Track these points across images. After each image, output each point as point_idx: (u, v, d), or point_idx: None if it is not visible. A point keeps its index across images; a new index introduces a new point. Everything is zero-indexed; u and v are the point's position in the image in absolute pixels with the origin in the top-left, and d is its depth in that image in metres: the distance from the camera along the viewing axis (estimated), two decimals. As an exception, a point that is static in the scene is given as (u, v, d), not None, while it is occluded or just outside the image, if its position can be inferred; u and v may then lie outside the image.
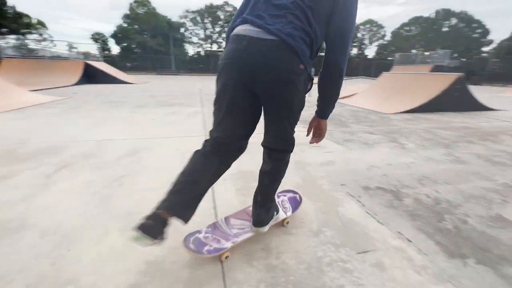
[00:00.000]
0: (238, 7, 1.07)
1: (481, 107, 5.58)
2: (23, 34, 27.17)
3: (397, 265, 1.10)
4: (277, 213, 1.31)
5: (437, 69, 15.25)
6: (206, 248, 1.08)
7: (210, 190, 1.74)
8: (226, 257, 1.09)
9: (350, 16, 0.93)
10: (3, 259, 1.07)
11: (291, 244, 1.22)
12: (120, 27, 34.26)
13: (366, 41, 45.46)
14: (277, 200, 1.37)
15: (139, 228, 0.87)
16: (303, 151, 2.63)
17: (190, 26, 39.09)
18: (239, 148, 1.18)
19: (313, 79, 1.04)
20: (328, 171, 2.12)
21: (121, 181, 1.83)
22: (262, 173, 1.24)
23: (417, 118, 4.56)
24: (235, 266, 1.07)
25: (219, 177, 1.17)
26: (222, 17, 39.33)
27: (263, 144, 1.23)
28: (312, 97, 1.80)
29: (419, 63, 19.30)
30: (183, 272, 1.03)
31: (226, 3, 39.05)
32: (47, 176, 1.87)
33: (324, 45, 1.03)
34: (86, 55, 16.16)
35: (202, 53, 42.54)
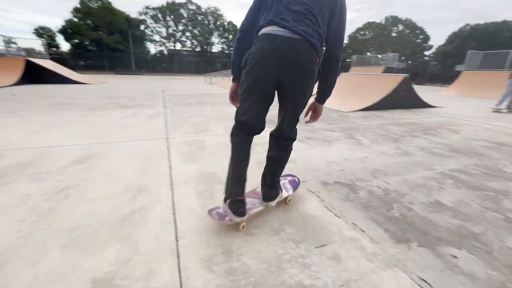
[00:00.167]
0: (250, 9, 1.27)
1: (424, 104, 6.26)
2: None
3: (352, 255, 1.16)
4: (281, 191, 1.53)
5: (388, 70, 16.76)
6: (227, 218, 1.28)
7: (169, 194, 1.67)
8: (243, 227, 1.33)
9: (344, 21, 1.23)
10: None
11: (253, 245, 1.21)
12: (70, 22, 31.07)
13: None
14: (280, 182, 1.56)
15: (239, 215, 1.23)
16: (266, 149, 2.65)
17: (151, 23, 37.18)
18: (261, 129, 1.36)
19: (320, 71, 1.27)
20: (291, 169, 2.17)
21: (67, 192, 1.64)
22: (271, 159, 1.50)
23: (371, 115, 4.94)
24: (194, 274, 1.03)
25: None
26: (185, 15, 38.13)
27: (272, 133, 1.49)
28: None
29: (373, 64, 20.99)
30: (137, 287, 0.96)
31: (190, 1, 37.97)
32: (-28, 192, 1.60)
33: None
34: (29, 51, 14.33)
35: (166, 52, 40.82)
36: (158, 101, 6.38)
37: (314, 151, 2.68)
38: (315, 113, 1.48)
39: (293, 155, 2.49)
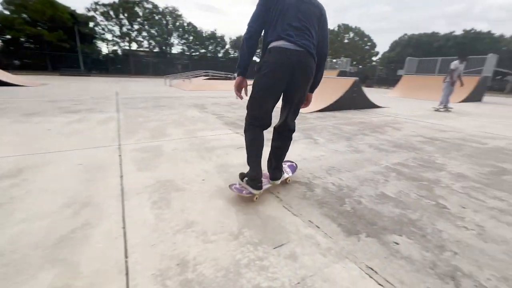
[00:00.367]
0: (255, 15, 1.49)
1: (373, 105, 6.89)
2: None
3: (307, 252, 1.20)
4: (284, 173, 1.86)
5: (342, 74, 18.09)
6: (244, 191, 1.62)
7: (119, 207, 1.54)
8: (256, 198, 1.65)
9: (326, 27, 1.60)
10: None
11: (210, 252, 1.18)
12: (-1, 15, 26.89)
13: (287, 48, 49.73)
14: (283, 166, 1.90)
15: (258, 189, 1.59)
16: (228, 153, 2.63)
17: (102, 21, 34.24)
18: (269, 123, 1.66)
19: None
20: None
21: (-11, 213, 1.40)
22: (275, 148, 1.82)
23: (327, 116, 5.26)
24: (144, 291, 0.95)
25: None
26: (141, 14, 36.00)
27: (276, 127, 1.80)
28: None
29: (329, 68, 22.44)
30: (74, 315, 0.85)
31: (146, 0, 35.97)
32: None
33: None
34: None
35: (120, 52, 37.96)
36: (110, 104, 5.88)
37: (274, 152, 2.73)
38: (307, 101, 1.80)
39: (253, 157, 2.52)
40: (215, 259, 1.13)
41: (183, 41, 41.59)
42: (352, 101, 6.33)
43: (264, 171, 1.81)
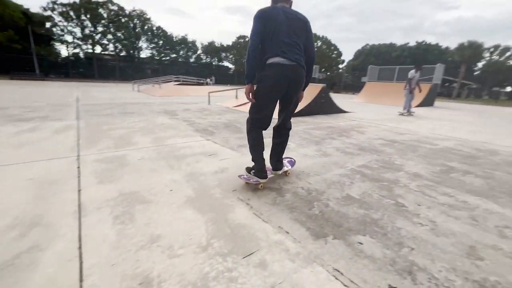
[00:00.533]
0: (256, 31, 1.72)
1: (340, 110, 7.26)
2: None
3: (277, 258, 1.21)
4: (284, 167, 2.19)
5: (312, 80, 18.86)
6: (252, 180, 1.93)
7: (75, 225, 1.41)
8: (261, 186, 1.97)
9: (312, 38, 1.92)
10: None
11: (176, 268, 1.12)
12: None
13: (259, 54, 50.64)
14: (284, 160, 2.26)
15: (264, 178, 1.92)
16: (198, 161, 2.57)
17: (61, 21, 31.77)
18: (268, 125, 1.96)
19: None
20: (221, 178, 2.15)
21: None
22: (276, 144, 2.14)
23: (298, 121, 5.41)
24: (100, 318, 0.87)
25: None
26: (105, 15, 34.12)
27: (276, 127, 2.13)
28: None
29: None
30: None
31: (110, 1, 34.22)
32: None
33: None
34: None
35: (82, 55, 35.47)
36: (69, 112, 5.44)
37: (246, 158, 2.73)
38: (301, 98, 2.13)
39: (224, 164, 2.50)
40: (181, 275, 1.08)
41: (153, 45, 40.26)
42: (321, 106, 6.61)
43: (267, 164, 2.12)
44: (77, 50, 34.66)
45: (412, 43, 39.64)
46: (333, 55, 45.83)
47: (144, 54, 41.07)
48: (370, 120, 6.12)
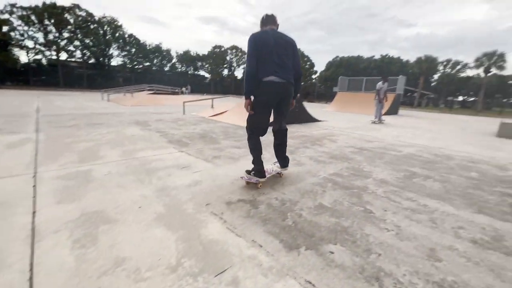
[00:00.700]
0: (251, 56, 2.02)
1: (313, 119, 7.53)
2: None
3: (249, 274, 1.19)
4: (288, 163, 2.54)
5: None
6: (252, 179, 2.19)
7: (26, 252, 1.28)
8: (260, 185, 2.24)
9: (298, 55, 2.24)
10: None
11: (142, 293, 1.05)
12: None
13: (234, 64, 51.30)
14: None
15: (263, 177, 2.18)
16: (171, 174, 2.48)
17: (20, 25, 29.52)
18: (265, 132, 2.25)
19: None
20: (195, 192, 2.09)
21: None
22: (277, 145, 2.45)
23: (273, 130, 5.51)
24: None
25: None
26: (72, 21, 32.38)
27: (275, 130, 2.41)
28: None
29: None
30: None
31: (78, 7, 32.64)
32: None
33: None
34: None
35: (45, 62, 33.09)
36: (28, 124, 5.00)
37: (220, 170, 2.70)
38: (292, 105, 2.42)
39: (197, 177, 2.45)
40: (147, 300, 1.02)
41: (124, 53, 38.87)
42: (296, 116, 6.80)
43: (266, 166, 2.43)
44: (39, 57, 32.35)
45: (377, 56, 42.88)
46: (306, 66, 47.79)
47: (115, 62, 39.58)
48: (341, 129, 6.41)
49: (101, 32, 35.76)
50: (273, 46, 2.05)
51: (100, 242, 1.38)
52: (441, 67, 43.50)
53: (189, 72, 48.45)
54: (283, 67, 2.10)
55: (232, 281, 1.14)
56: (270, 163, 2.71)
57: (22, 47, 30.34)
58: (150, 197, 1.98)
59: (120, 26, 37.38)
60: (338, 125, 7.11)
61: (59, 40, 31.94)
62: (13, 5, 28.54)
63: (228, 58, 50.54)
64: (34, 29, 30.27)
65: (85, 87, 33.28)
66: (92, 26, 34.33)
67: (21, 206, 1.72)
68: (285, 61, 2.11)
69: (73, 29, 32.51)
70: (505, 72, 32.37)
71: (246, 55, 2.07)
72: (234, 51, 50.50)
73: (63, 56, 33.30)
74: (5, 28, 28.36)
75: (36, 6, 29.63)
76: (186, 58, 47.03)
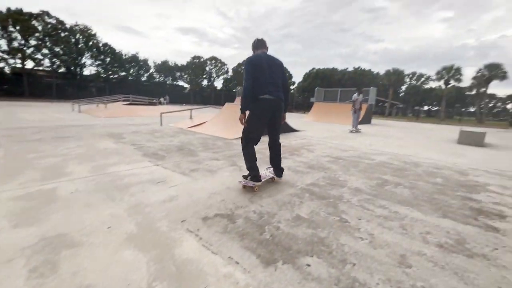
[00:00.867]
0: (249, 75, 2.37)
1: (292, 129, 7.69)
2: None
3: (225, 294, 1.15)
4: (282, 173, 2.83)
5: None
6: (249, 183, 2.45)
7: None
8: (256, 188, 2.46)
9: (287, 78, 2.66)
10: None
11: (107, 324, 0.97)
12: None
13: (214, 75, 51.44)
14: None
15: (258, 181, 2.46)
16: (145, 190, 2.37)
17: (-22, 31, 27.37)
18: (259, 141, 2.56)
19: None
20: (170, 208, 2.01)
21: None
22: (273, 158, 2.77)
23: (253, 141, 5.54)
24: None
25: None
26: (40, 28, 30.71)
27: (270, 144, 2.76)
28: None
29: (255, 95, 24.19)
30: None
31: (47, 14, 31.10)
32: None
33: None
34: None
35: (8, 70, 30.76)
36: (-17, 138, 4.56)
37: (198, 183, 2.63)
38: (283, 119, 2.74)
39: (173, 192, 2.37)
40: (113, 332, 0.94)
41: (99, 62, 37.40)
42: (274, 126, 6.90)
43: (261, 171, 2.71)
44: (1, 65, 30.03)
45: (351, 68, 45.41)
46: (285, 77, 49.15)
47: (89, 71, 37.82)
48: (318, 138, 6.60)
49: (73, 40, 34.24)
50: (266, 68, 2.44)
51: (61, 270, 1.26)
52: (407, 79, 47.00)
53: (168, 82, 47.65)
54: (275, 85, 2.47)
55: (207, 303, 1.09)
56: (262, 169, 2.83)
57: (-19, 55, 28.06)
58: (121, 216, 1.87)
59: (94, 35, 36.12)
60: (316, 135, 7.32)
61: (25, 48, 30.02)
62: (-28, 10, 26.53)
63: (207, 68, 50.61)
64: (-5, 36, 28.22)
65: (54, 97, 31.33)
66: (63, 34, 32.79)
67: (-31, 233, 1.54)
68: (276, 80, 2.49)
69: (41, 37, 30.80)
70: (462, 84, 35.74)
71: (244, 76, 2.42)
72: (213, 62, 50.75)
73: (30, 64, 31.29)
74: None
75: (0, 12, 27.79)
76: (164, 68, 46.34)
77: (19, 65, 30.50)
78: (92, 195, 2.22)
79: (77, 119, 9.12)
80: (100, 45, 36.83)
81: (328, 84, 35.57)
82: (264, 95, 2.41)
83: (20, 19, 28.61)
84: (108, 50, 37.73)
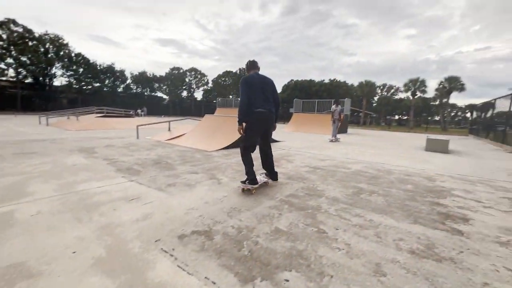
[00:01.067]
0: (245, 93, 2.78)
1: (272, 140, 7.76)
2: None
3: (200, 319, 1.09)
4: (277, 177, 3.28)
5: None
6: (247, 186, 2.77)
7: None
8: (254, 191, 2.81)
9: (276, 90, 3.06)
10: None
11: None
12: None
13: (194, 86, 51.15)
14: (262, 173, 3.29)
15: (255, 184, 2.82)
16: (116, 208, 2.24)
17: None
18: (255, 149, 2.97)
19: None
20: (143, 227, 1.91)
21: None
22: (264, 160, 3.17)
23: (232, 153, 5.50)
24: None
25: None
26: (4, 36, 28.83)
27: (261, 149, 3.15)
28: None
29: (235, 106, 24.28)
30: None
31: (13, 22, 29.36)
32: None
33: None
34: None
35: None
36: None
37: (174, 199, 2.54)
38: (274, 127, 3.11)
39: (147, 209, 2.26)
40: None
41: (71, 72, 35.66)
42: (254, 137, 6.94)
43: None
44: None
45: (327, 80, 47.36)
46: (265, 88, 50.09)
47: (59, 81, 35.80)
48: (297, 148, 6.73)
49: (42, 50, 32.50)
50: (259, 86, 2.83)
51: (15, 305, 1.13)
52: (379, 91, 50.09)
53: (146, 94, 46.47)
54: (266, 100, 2.87)
55: (180, 330, 1.03)
56: (257, 174, 3.03)
57: None
58: (89, 238, 1.74)
59: (66, 45, 34.60)
60: (295, 145, 7.46)
61: (-14, 57, 27.92)
62: None
63: (187, 79, 50.26)
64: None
65: (19, 109, 29.17)
66: (31, 43, 31.04)
67: None
68: (268, 96, 2.89)
69: (5, 46, 28.89)
70: (427, 95, 38.73)
71: (240, 94, 2.81)
72: (193, 73, 50.60)
73: (-8, 74, 29.04)
74: None
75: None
76: (142, 79, 45.27)
77: (-22, 75, 28.20)
78: (57, 216, 2.05)
79: (44, 133, 8.52)
80: (73, 55, 35.29)
81: (306, 95, 36.79)
82: (258, 108, 2.79)
83: (-19, 26, 26.71)
84: (81, 60, 36.22)
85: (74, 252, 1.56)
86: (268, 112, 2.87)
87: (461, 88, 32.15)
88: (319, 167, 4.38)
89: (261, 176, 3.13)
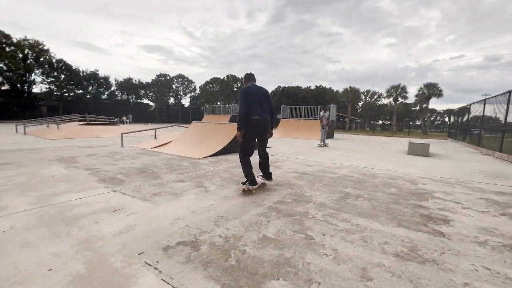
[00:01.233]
0: (243, 103, 3.05)
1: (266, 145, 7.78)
2: None
3: (185, 335, 1.05)
4: (271, 177, 3.51)
5: (233, 118, 19.93)
6: (246, 187, 3.04)
7: None
8: (254, 191, 3.10)
9: (271, 98, 3.35)
10: None
11: None
12: None
13: (181, 92, 50.72)
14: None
15: (255, 184, 3.09)
16: (98, 221, 2.15)
17: None
18: (253, 152, 3.20)
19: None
20: (126, 240, 1.84)
21: None
22: (263, 164, 3.39)
23: (219, 160, 5.45)
24: None
25: None
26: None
27: (261, 154, 3.39)
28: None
29: (223, 113, 24.23)
30: None
31: (-13, 26, 28.10)
32: None
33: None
34: None
35: None
36: None
37: (160, 209, 2.47)
38: (271, 134, 3.44)
39: (131, 221, 2.19)
40: None
41: (51, 79, 34.38)
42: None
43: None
44: None
45: (313, 86, 48.39)
46: (252, 95, 50.44)
47: (39, 88, 34.38)
48: (285, 154, 6.77)
49: (20, 56, 31.23)
50: (255, 96, 3.12)
51: (-19, 331, 1.04)
52: (363, 96, 51.66)
53: (131, 100, 45.51)
54: (262, 109, 3.15)
55: None
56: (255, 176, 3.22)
57: None
58: (66, 254, 1.65)
59: (47, 51, 33.44)
60: (283, 151, 7.51)
61: (-43, 63, 26.46)
62: None
63: (174, 86, 49.79)
64: None
65: (-7, 117, 27.70)
66: (8, 49, 29.78)
67: None
68: (263, 105, 3.18)
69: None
70: (408, 101, 40.43)
71: (239, 103, 3.07)
72: (180, 79, 50.23)
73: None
74: None
75: None
76: (128, 86, 44.37)
77: (-51, 82, 26.61)
78: (32, 232, 1.94)
79: (20, 142, 8.11)
80: (54, 61, 34.13)
81: (294, 101, 37.34)
82: (254, 116, 3.06)
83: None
84: (62, 66, 35.06)
85: (50, 270, 1.47)
86: (264, 119, 3.15)
87: (439, 94, 33.82)
88: (307, 172, 4.42)
89: (258, 178, 3.33)
